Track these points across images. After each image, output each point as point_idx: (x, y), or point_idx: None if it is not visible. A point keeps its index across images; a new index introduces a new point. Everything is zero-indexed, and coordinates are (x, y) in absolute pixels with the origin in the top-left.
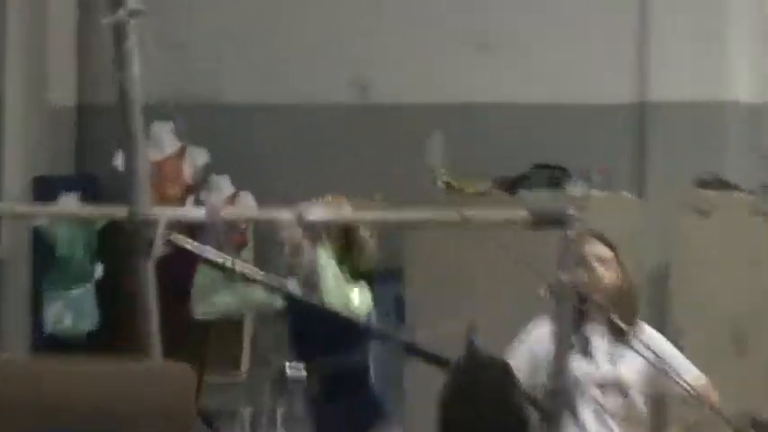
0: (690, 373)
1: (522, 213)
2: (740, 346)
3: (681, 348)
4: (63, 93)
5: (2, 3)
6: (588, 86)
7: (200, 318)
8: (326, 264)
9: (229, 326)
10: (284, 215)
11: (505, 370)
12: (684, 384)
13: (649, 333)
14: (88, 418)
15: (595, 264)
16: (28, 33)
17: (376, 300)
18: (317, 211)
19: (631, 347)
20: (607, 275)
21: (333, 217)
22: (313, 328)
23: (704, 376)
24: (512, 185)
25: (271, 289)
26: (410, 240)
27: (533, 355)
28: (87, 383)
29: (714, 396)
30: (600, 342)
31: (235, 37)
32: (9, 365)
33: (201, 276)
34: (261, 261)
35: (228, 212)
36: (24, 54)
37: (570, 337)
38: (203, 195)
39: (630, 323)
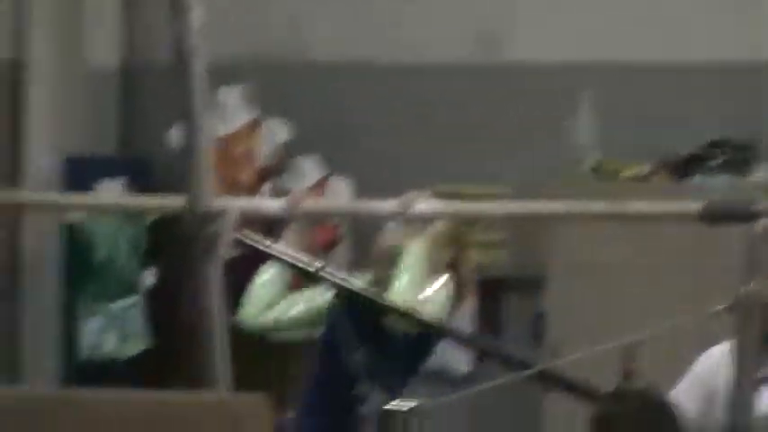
0: None
1: (693, 206)
2: None
3: None
4: (103, 51)
5: None
6: None
7: (256, 332)
8: (414, 265)
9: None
10: (386, 207)
11: (667, 408)
12: None
13: None
14: None
15: None
16: None
17: (510, 317)
18: (429, 204)
19: None
20: None
21: (447, 211)
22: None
23: None
24: (681, 168)
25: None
26: (554, 241)
27: (708, 389)
28: (137, 423)
29: None
30: None
31: None
32: (37, 401)
33: (265, 280)
34: (357, 264)
35: (315, 204)
36: (55, 5)
37: (758, 366)
38: (283, 181)
39: None
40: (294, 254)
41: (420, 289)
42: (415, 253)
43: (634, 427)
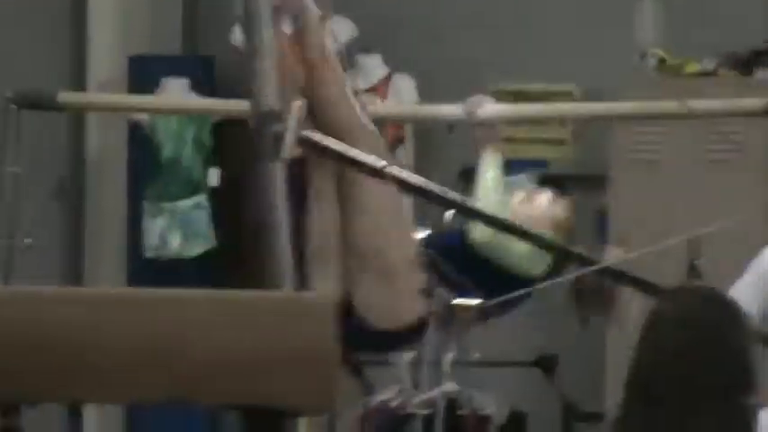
0: None
1: (761, 101)
2: None
3: None
4: None
5: None
6: None
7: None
8: (492, 174)
9: None
10: (450, 110)
11: (732, 306)
12: None
13: None
14: (207, 369)
15: None
16: None
17: (575, 213)
18: (493, 107)
19: None
20: None
21: (512, 114)
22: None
23: None
24: (745, 64)
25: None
26: (617, 139)
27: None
28: (203, 322)
29: None
30: None
31: None
32: (99, 298)
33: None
34: (422, 164)
35: (379, 105)
36: None
37: None
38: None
39: None
40: (358, 152)
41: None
42: (492, 161)
43: (695, 324)
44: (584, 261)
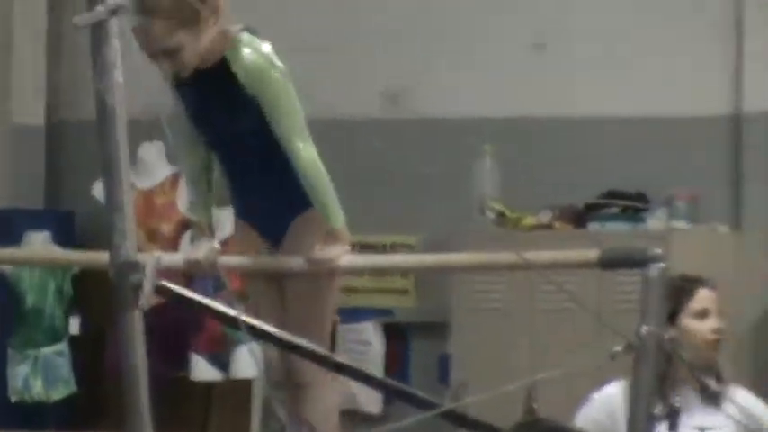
0: None
1: (591, 253)
2: None
3: None
4: (29, 108)
5: None
6: (670, 97)
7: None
8: None
9: (236, 386)
10: (294, 263)
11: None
12: None
13: (744, 396)
14: None
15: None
16: None
17: (415, 359)
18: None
19: (723, 413)
20: (712, 327)
21: (366, 263)
22: None
23: None
24: (578, 217)
25: (284, 347)
26: (457, 287)
27: (599, 425)
28: None
29: None
30: (690, 410)
31: None
32: None
33: None
34: None
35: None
36: None
37: (651, 403)
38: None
39: (722, 383)
40: (212, 301)
41: None
42: None
43: None
44: (426, 404)
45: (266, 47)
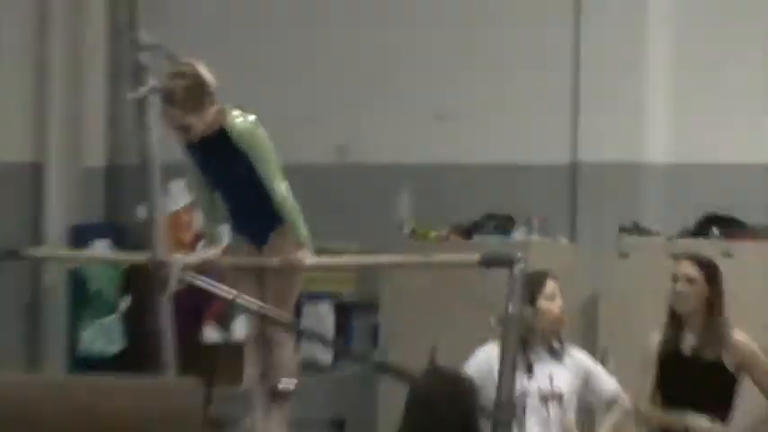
0: (610, 385)
1: (475, 256)
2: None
3: (605, 365)
4: (94, 156)
5: (42, 81)
6: (528, 149)
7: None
8: None
9: (235, 347)
10: (273, 262)
11: (463, 382)
12: (606, 392)
13: (576, 352)
14: (114, 426)
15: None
16: (66, 106)
17: (356, 328)
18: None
19: (564, 365)
20: (557, 306)
21: (321, 263)
22: None
23: (622, 391)
24: (467, 232)
25: (268, 321)
26: (384, 278)
27: (481, 373)
28: (112, 396)
29: (629, 403)
30: (542, 362)
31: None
32: (48, 382)
33: None
34: None
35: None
36: (63, 125)
37: (515, 359)
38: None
39: (562, 344)
40: (216, 286)
41: None
42: None
43: (438, 396)
44: (362, 358)
45: (251, 117)
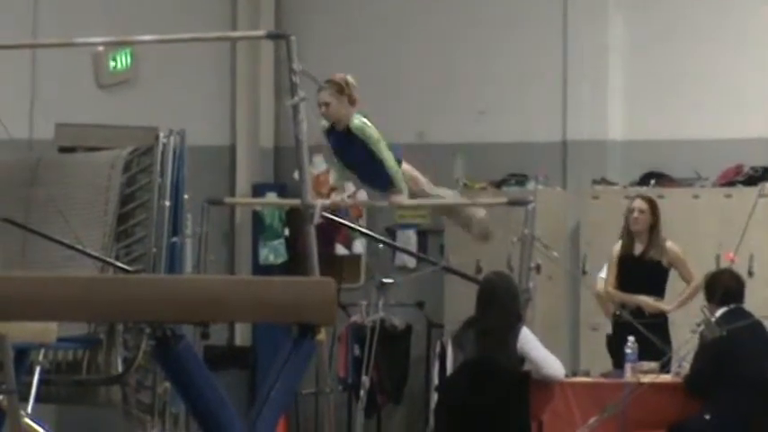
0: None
1: (504, 199)
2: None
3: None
4: (267, 140)
5: (234, 92)
6: (533, 130)
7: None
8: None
9: (354, 258)
10: (385, 201)
11: (513, 281)
12: None
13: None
14: (280, 308)
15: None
16: (249, 112)
17: (430, 245)
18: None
19: None
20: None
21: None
22: None
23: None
24: (498, 184)
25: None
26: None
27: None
28: (281, 288)
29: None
30: None
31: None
32: (239, 280)
33: None
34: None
35: (352, 201)
36: (246, 120)
37: (530, 261)
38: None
39: None
40: (343, 219)
41: None
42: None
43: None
44: (429, 261)
45: (364, 119)
